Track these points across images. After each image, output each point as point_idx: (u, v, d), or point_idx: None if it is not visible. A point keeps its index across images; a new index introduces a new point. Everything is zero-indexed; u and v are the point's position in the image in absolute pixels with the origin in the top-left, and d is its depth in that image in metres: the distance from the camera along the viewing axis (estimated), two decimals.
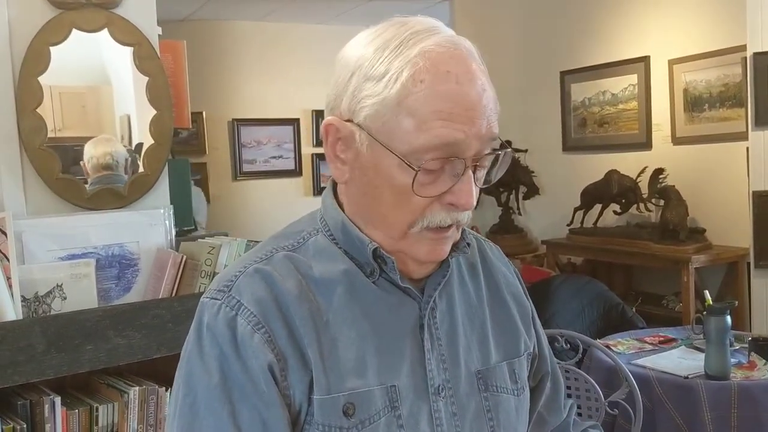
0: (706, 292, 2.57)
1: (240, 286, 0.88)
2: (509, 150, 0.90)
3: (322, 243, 0.93)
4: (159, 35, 1.91)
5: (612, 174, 4.43)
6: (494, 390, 0.98)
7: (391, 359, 0.89)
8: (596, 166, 4.66)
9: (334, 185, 0.97)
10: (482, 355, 0.98)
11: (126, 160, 1.94)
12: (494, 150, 0.88)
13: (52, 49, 1.74)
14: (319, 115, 6.30)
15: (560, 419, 1.14)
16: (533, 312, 1.10)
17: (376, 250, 0.89)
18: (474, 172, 0.86)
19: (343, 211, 0.93)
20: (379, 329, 0.90)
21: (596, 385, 2.28)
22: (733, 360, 2.43)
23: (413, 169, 0.83)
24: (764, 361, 2.46)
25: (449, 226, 0.89)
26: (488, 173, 0.90)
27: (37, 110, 1.73)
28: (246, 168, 6.14)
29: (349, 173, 0.90)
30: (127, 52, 1.85)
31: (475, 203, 0.87)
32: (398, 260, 0.91)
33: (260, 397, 0.83)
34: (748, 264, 3.66)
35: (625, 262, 4.50)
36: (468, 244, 0.98)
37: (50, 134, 1.77)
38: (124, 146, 1.99)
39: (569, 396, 2.35)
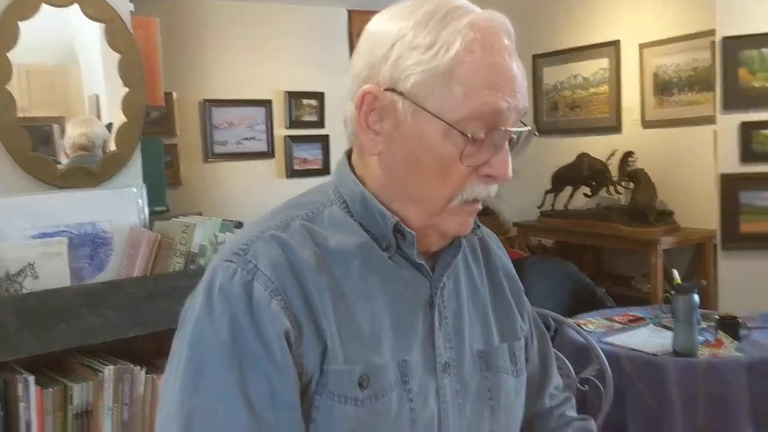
0: (675, 271, 2.62)
1: (256, 250, 0.86)
2: (532, 128, 0.91)
3: (338, 215, 0.92)
4: (131, 11, 1.88)
5: (583, 157, 4.47)
6: (495, 370, 0.99)
7: (405, 334, 0.90)
8: (567, 149, 4.70)
9: (349, 157, 0.96)
10: (484, 336, 0.99)
11: (104, 141, 1.92)
12: (523, 124, 0.90)
13: (21, 24, 1.70)
14: (292, 96, 6.24)
15: (542, 407, 1.15)
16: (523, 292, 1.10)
17: (397, 224, 0.89)
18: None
19: (362, 183, 0.92)
20: (393, 304, 0.90)
21: (567, 362, 2.32)
22: (700, 338, 2.48)
23: (466, 136, 0.84)
24: (731, 339, 2.52)
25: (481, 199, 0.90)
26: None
27: (6, 87, 1.70)
28: (217, 150, 6.05)
29: (384, 144, 0.88)
30: (98, 28, 1.82)
31: (511, 175, 0.88)
32: (419, 234, 0.90)
33: (273, 364, 0.81)
34: (715, 246, 3.73)
35: (595, 244, 4.56)
36: (477, 225, 0.98)
37: (18, 113, 1.74)
38: None
39: None
